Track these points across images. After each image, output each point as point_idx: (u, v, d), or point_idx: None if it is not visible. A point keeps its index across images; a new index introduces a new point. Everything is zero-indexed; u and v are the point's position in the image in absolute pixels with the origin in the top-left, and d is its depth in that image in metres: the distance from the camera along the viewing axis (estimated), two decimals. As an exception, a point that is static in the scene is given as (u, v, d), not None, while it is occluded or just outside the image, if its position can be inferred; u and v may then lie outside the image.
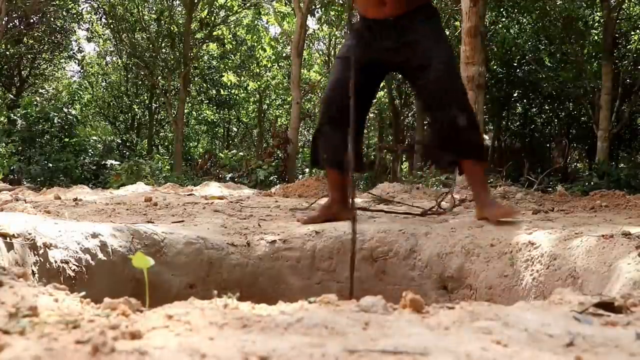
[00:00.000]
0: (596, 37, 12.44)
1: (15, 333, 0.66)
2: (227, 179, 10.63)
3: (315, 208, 3.15)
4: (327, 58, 18.32)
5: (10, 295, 0.84)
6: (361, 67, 2.47)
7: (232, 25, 17.35)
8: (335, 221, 2.48)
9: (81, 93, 21.13)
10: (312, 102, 19.64)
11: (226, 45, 17.62)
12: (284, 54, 17.56)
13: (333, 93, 2.53)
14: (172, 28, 16.11)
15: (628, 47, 13.09)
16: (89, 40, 18.07)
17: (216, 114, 21.16)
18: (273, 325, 0.72)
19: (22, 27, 15.99)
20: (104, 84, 21.35)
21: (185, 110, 16.98)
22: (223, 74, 18.19)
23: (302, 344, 0.64)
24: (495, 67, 14.33)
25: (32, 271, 1.55)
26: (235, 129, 22.85)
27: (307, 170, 16.21)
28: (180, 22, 16.30)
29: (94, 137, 14.91)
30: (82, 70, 20.28)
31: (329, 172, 2.69)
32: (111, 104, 20.96)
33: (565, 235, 1.94)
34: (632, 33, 13.12)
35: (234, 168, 11.31)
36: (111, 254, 1.87)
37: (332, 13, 13.94)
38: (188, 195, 4.40)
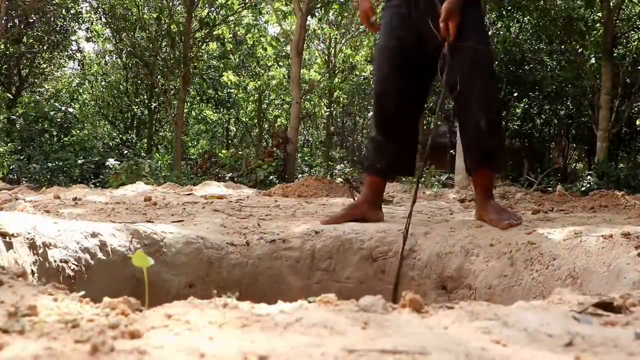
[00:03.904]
0: (596, 37, 12.44)
1: (15, 332, 0.66)
2: (227, 178, 10.63)
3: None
4: (327, 58, 18.32)
5: (9, 294, 0.84)
6: (408, 56, 2.40)
7: (232, 25, 17.34)
8: (363, 222, 2.41)
9: (81, 91, 21.12)
10: (312, 102, 19.64)
11: (226, 45, 17.62)
12: (284, 53, 17.56)
13: (385, 100, 2.46)
14: (171, 27, 16.10)
15: (628, 47, 13.09)
16: (88, 39, 18.05)
17: (216, 114, 21.17)
18: (272, 325, 0.72)
19: (21, 26, 15.98)
20: (103, 83, 21.34)
21: (185, 110, 16.98)
22: (223, 73, 18.19)
23: (302, 344, 0.64)
24: (495, 66, 14.33)
25: (32, 271, 1.55)
26: (234, 129, 22.85)
27: (306, 169, 16.22)
28: (180, 21, 16.30)
29: (94, 133, 14.92)
30: (81, 69, 20.26)
31: (370, 176, 2.60)
32: (111, 103, 20.95)
33: (564, 235, 1.95)
34: (632, 33, 13.13)
35: (234, 168, 11.31)
36: (111, 253, 1.87)
37: (332, 13, 13.94)
38: (187, 194, 4.40)
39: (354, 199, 2.42)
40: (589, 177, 9.86)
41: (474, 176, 2.46)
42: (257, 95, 19.94)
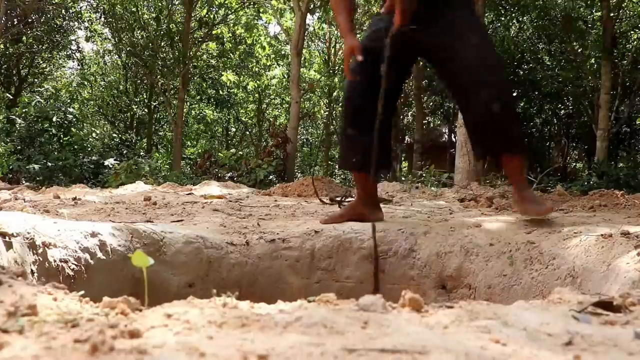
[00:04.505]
0: (596, 37, 12.44)
1: (14, 332, 0.66)
2: (227, 178, 10.62)
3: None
4: (327, 57, 18.32)
5: (9, 294, 0.84)
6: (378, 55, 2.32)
7: (231, 24, 17.33)
8: (361, 222, 2.41)
9: (80, 91, 21.11)
10: (312, 102, 19.63)
11: (225, 44, 17.60)
12: (283, 53, 17.55)
13: (354, 94, 2.42)
14: (171, 27, 16.10)
15: (628, 46, 13.09)
16: (87, 39, 18.04)
17: (215, 113, 21.16)
18: (272, 324, 0.72)
19: (21, 26, 15.97)
20: (103, 83, 21.33)
21: (185, 110, 16.96)
22: (222, 73, 18.18)
23: (301, 343, 0.64)
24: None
25: (31, 270, 1.55)
26: (234, 129, 22.85)
27: (306, 169, 16.22)
28: (180, 21, 16.29)
29: (94, 133, 14.91)
30: (81, 69, 20.25)
31: (356, 174, 2.56)
32: (110, 103, 20.94)
33: (564, 234, 1.95)
34: (632, 32, 13.13)
35: (233, 167, 11.30)
36: (110, 253, 1.87)
37: (332, 13, 13.94)
38: (187, 194, 4.40)
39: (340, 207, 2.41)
40: (588, 176, 9.85)
41: (504, 165, 2.35)
42: (256, 95, 19.94)
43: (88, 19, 17.27)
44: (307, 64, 18.65)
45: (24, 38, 16.38)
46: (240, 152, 12.57)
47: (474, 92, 2.24)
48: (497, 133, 2.24)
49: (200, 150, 20.22)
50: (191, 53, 15.64)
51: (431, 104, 15.68)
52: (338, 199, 3.39)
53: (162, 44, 16.63)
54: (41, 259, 1.61)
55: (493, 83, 2.23)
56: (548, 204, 2.21)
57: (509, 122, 2.23)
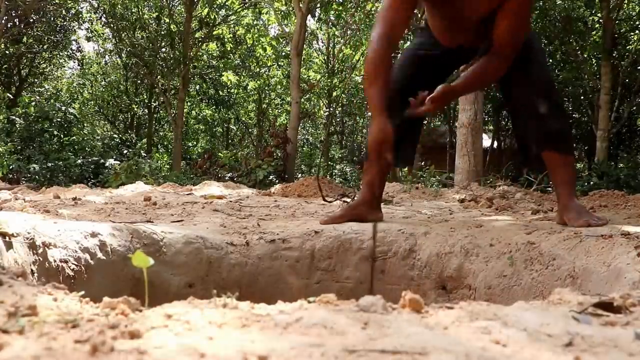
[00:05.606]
0: (596, 37, 12.44)
1: (14, 332, 0.66)
2: (227, 178, 10.63)
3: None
4: (326, 57, 18.32)
5: (9, 294, 0.84)
6: (425, 63, 2.36)
7: (232, 25, 17.33)
8: (360, 222, 2.40)
9: (80, 91, 21.13)
10: (312, 102, 19.64)
11: (226, 45, 17.60)
12: (284, 53, 17.56)
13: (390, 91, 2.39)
14: (171, 27, 16.11)
15: (627, 47, 13.10)
16: (88, 39, 18.06)
17: (215, 113, 21.19)
18: (272, 325, 0.72)
19: (21, 26, 15.98)
20: (103, 83, 21.35)
21: (185, 110, 16.96)
22: (223, 73, 18.18)
23: (302, 344, 0.64)
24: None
25: (32, 270, 1.55)
26: (234, 129, 22.87)
27: (306, 169, 16.21)
28: (180, 21, 16.30)
29: (95, 133, 14.94)
30: (81, 68, 20.27)
31: (368, 169, 2.51)
32: (110, 103, 20.96)
33: (564, 235, 1.95)
34: (632, 33, 13.13)
35: (233, 167, 11.30)
36: (110, 253, 1.87)
37: (332, 13, 13.94)
38: (187, 194, 4.40)
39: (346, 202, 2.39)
40: (588, 177, 9.86)
41: (549, 166, 2.27)
42: (256, 95, 19.95)
43: (88, 19, 17.29)
44: (306, 64, 18.64)
45: (25, 38, 16.39)
46: (241, 152, 12.56)
47: (517, 88, 2.23)
48: (540, 131, 2.20)
49: (200, 150, 20.22)
50: (191, 53, 15.65)
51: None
52: (344, 197, 3.38)
53: (163, 44, 16.64)
54: (41, 259, 1.61)
55: (540, 83, 2.20)
56: (601, 217, 2.12)
57: (551, 120, 2.17)
